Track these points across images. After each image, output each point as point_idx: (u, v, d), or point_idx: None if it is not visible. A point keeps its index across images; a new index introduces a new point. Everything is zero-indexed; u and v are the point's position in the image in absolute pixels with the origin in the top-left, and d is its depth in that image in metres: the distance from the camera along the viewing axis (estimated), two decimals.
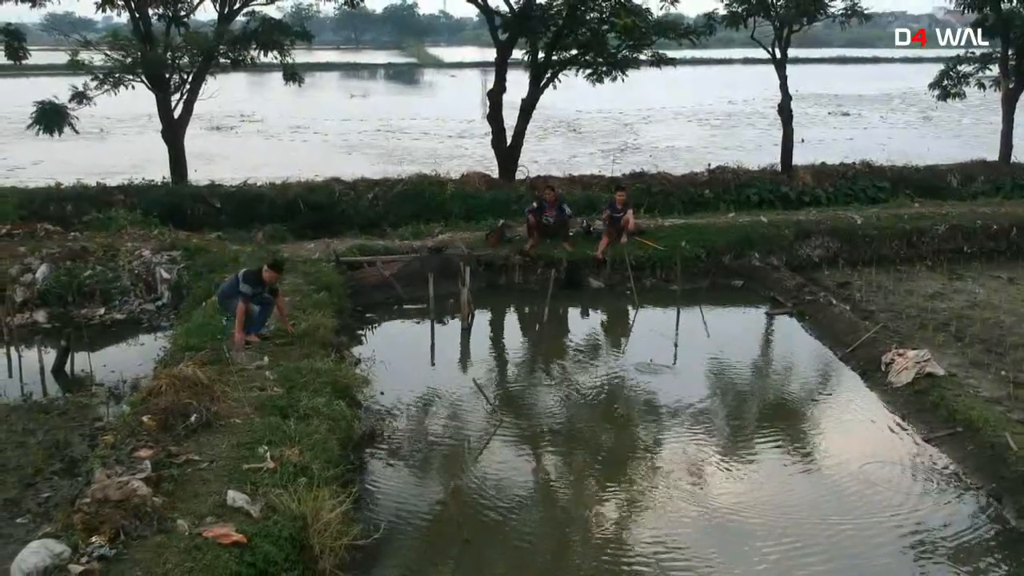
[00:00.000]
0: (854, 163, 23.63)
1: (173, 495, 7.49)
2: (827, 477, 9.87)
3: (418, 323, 15.29)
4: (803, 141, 30.69)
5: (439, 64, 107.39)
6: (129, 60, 20.64)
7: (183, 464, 8.07)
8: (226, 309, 11.73)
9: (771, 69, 22.90)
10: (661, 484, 9.68)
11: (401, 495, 9.42)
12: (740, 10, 22.30)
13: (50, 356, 12.55)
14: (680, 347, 14.14)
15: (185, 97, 21.42)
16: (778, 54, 22.55)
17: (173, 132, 21.62)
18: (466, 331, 14.64)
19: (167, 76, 21.03)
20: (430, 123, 44.67)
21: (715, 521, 8.91)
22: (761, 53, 23.62)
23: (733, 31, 23.96)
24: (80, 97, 20.49)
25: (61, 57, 22.22)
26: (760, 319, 15.80)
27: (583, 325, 16.07)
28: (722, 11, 22.61)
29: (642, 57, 21.91)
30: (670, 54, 22.75)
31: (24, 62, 21.98)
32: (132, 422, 8.88)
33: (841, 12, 22.43)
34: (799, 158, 23.68)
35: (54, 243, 16.29)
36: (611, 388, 12.47)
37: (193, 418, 8.82)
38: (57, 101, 20.53)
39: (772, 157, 23.98)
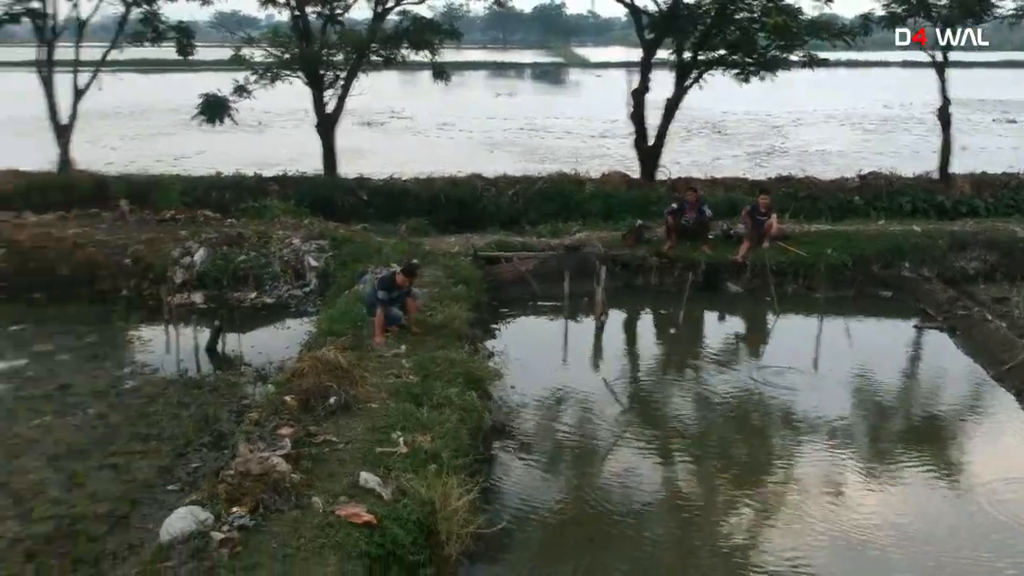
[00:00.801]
0: (1018, 173, 22.26)
1: (310, 473, 7.79)
2: (974, 506, 9.25)
3: (552, 320, 15.37)
4: (964, 149, 29.14)
5: (585, 64, 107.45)
6: (287, 56, 21.61)
7: (321, 444, 8.38)
8: (372, 315, 11.98)
9: (931, 72, 21.83)
10: (794, 500, 9.35)
11: (527, 490, 9.48)
12: (899, 10, 21.34)
13: (204, 335, 13.29)
14: (821, 357, 13.69)
15: (338, 93, 22.22)
16: (939, 57, 21.45)
17: (326, 127, 22.47)
18: (599, 330, 14.62)
19: (322, 72, 21.87)
20: (573, 122, 44.73)
21: (852, 545, 8.47)
22: (921, 55, 22.52)
23: (891, 32, 22.92)
24: (241, 90, 21.66)
25: (227, 53, 23.48)
26: (908, 332, 15.07)
27: (719, 330, 15.72)
28: (879, 11, 21.70)
29: (793, 58, 21.29)
30: (823, 55, 22.04)
31: (192, 58, 23.31)
32: (276, 401, 9.30)
33: (1011, 12, 21.10)
34: (958, 166, 22.54)
35: (212, 228, 17.18)
36: (746, 396, 12.15)
37: (332, 400, 9.15)
38: (220, 94, 21.70)
39: (928, 164, 22.85)
